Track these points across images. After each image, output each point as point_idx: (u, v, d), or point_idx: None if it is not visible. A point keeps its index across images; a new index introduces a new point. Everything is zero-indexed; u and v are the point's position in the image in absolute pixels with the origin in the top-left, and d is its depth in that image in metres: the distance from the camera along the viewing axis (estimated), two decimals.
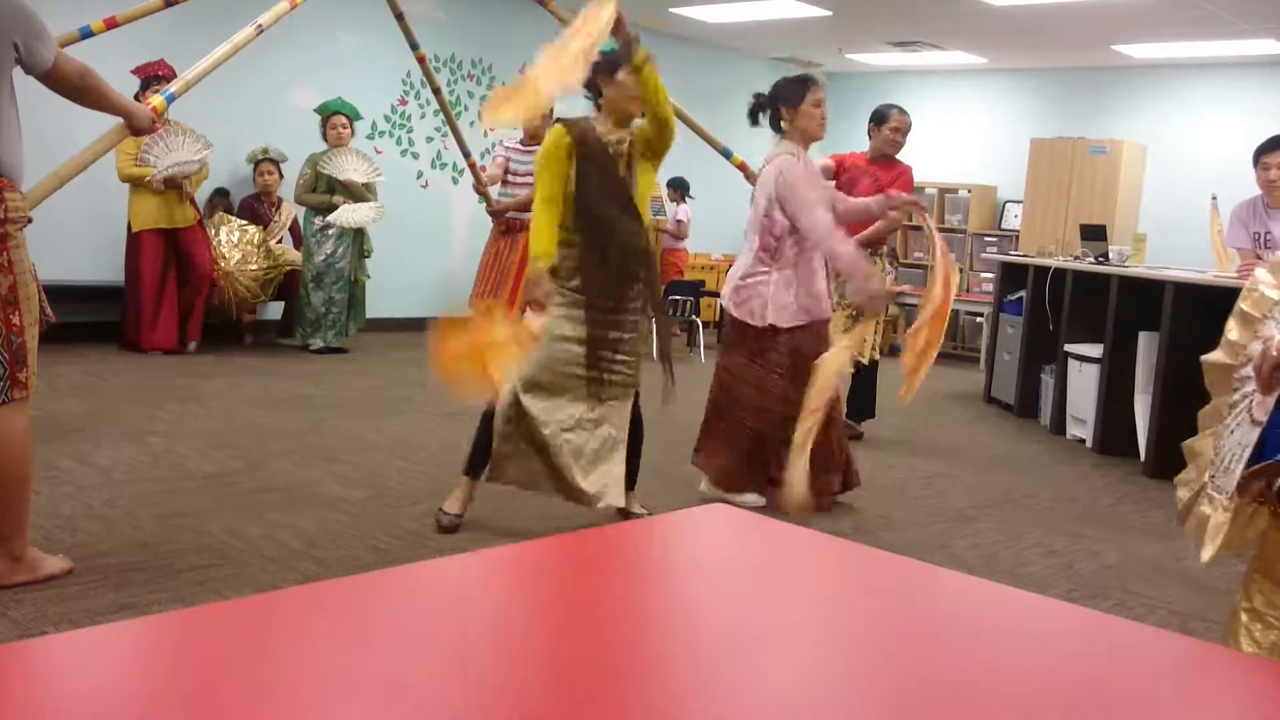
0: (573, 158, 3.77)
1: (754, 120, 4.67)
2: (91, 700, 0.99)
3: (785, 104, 4.56)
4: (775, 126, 4.63)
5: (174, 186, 7.10)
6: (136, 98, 6.81)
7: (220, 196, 8.06)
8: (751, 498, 4.54)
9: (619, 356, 3.89)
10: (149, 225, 7.11)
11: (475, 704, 1.05)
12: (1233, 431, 1.97)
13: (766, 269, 4.50)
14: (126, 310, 7.31)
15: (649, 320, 4.04)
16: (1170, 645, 1.39)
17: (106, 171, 6.83)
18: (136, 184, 7.04)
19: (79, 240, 7.50)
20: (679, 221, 10.35)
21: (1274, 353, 1.84)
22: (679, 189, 10.42)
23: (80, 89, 3.09)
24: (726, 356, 4.69)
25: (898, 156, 6.08)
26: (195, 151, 7.05)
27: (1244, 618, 2.14)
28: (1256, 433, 1.90)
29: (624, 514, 4.00)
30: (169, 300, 7.32)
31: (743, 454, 4.58)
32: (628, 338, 3.91)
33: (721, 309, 4.69)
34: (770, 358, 4.53)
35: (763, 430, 4.51)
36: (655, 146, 3.82)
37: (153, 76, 6.97)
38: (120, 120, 3.34)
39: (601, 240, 3.78)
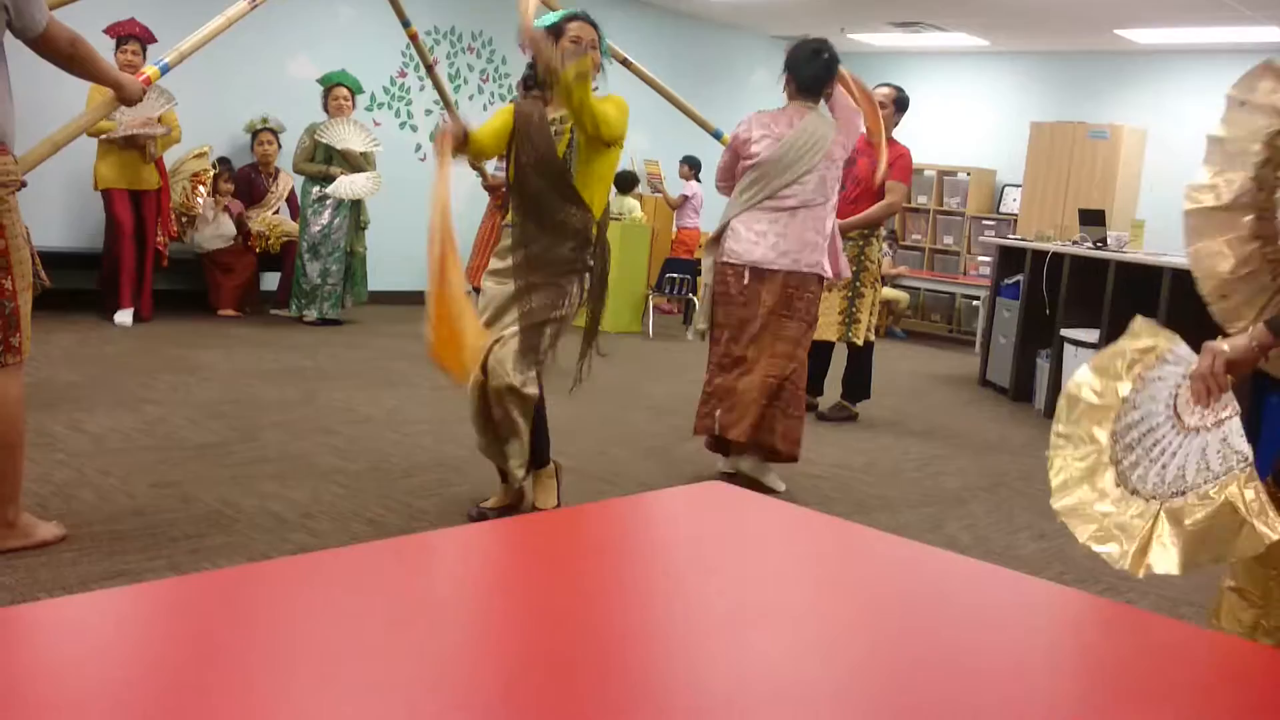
0: (513, 137, 3.69)
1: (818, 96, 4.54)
2: (83, 666, 0.99)
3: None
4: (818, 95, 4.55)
5: (136, 146, 6.99)
6: (114, 59, 6.77)
7: (223, 165, 8.01)
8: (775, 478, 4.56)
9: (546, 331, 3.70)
10: (114, 185, 7.00)
11: (466, 675, 1.05)
12: (1173, 456, 1.96)
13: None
14: (104, 270, 7.18)
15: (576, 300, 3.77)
16: (1159, 628, 1.40)
17: (92, 141, 6.81)
18: (102, 138, 6.89)
19: (70, 207, 7.47)
20: (684, 196, 10.36)
21: (1224, 351, 1.91)
22: (692, 166, 10.46)
23: (71, 57, 3.06)
24: (806, 328, 4.47)
25: (895, 136, 6.05)
26: (157, 108, 6.95)
27: (1229, 597, 2.16)
28: (1234, 435, 1.91)
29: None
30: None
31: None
32: (555, 315, 3.68)
33: (764, 278, 4.40)
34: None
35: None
36: (592, 136, 3.63)
37: (127, 35, 6.89)
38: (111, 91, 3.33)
39: (533, 219, 3.67)
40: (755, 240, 4.41)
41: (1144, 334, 2.15)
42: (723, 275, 4.48)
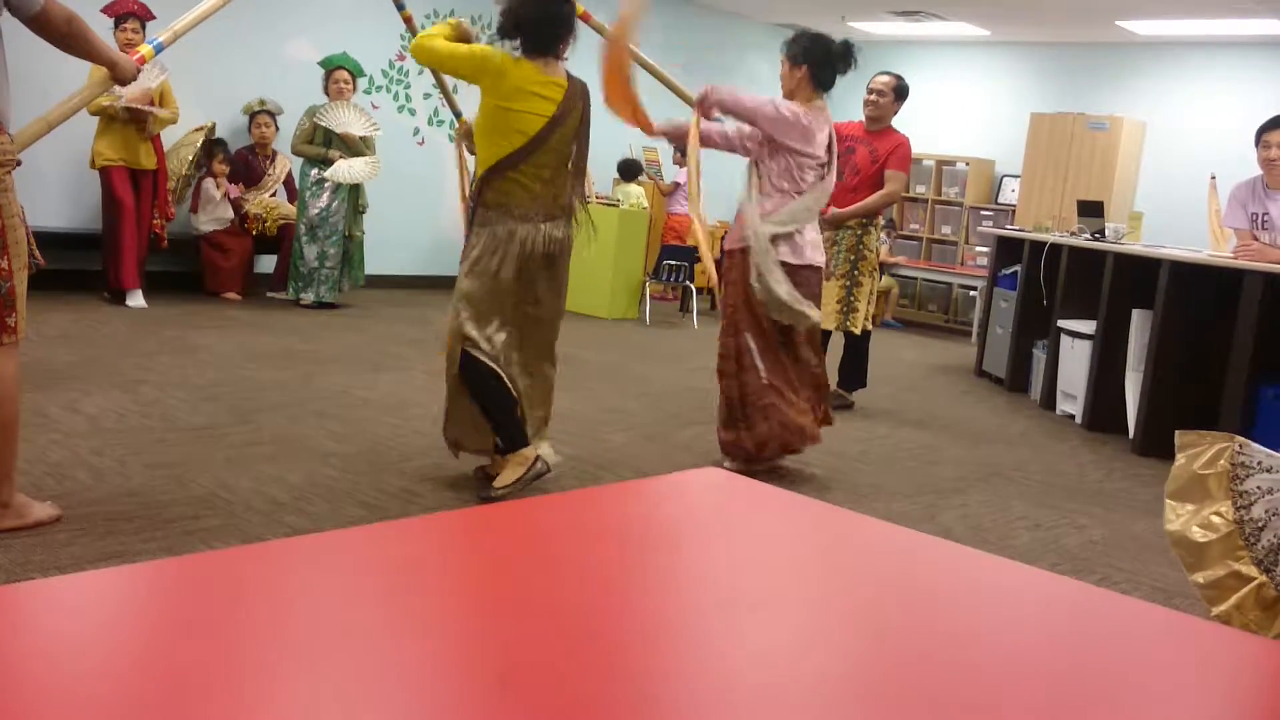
0: None
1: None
2: (77, 647, 0.99)
3: None
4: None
5: (139, 119, 6.97)
6: (114, 39, 6.73)
7: (219, 147, 7.98)
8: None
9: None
10: (112, 162, 6.97)
11: (459, 660, 1.05)
12: None
13: None
14: (106, 250, 7.13)
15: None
16: (1153, 618, 1.40)
17: (88, 120, 6.78)
18: (103, 115, 6.86)
19: (67, 187, 7.44)
20: (675, 183, 10.35)
21: None
22: (684, 154, 10.42)
23: (67, 35, 3.06)
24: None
25: (894, 125, 6.04)
26: (153, 79, 6.92)
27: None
28: None
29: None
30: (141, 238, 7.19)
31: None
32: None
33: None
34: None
35: None
36: None
37: (125, 14, 6.85)
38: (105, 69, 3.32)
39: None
40: (818, 244, 4.53)
41: (1196, 447, 2.17)
42: (809, 279, 4.44)
